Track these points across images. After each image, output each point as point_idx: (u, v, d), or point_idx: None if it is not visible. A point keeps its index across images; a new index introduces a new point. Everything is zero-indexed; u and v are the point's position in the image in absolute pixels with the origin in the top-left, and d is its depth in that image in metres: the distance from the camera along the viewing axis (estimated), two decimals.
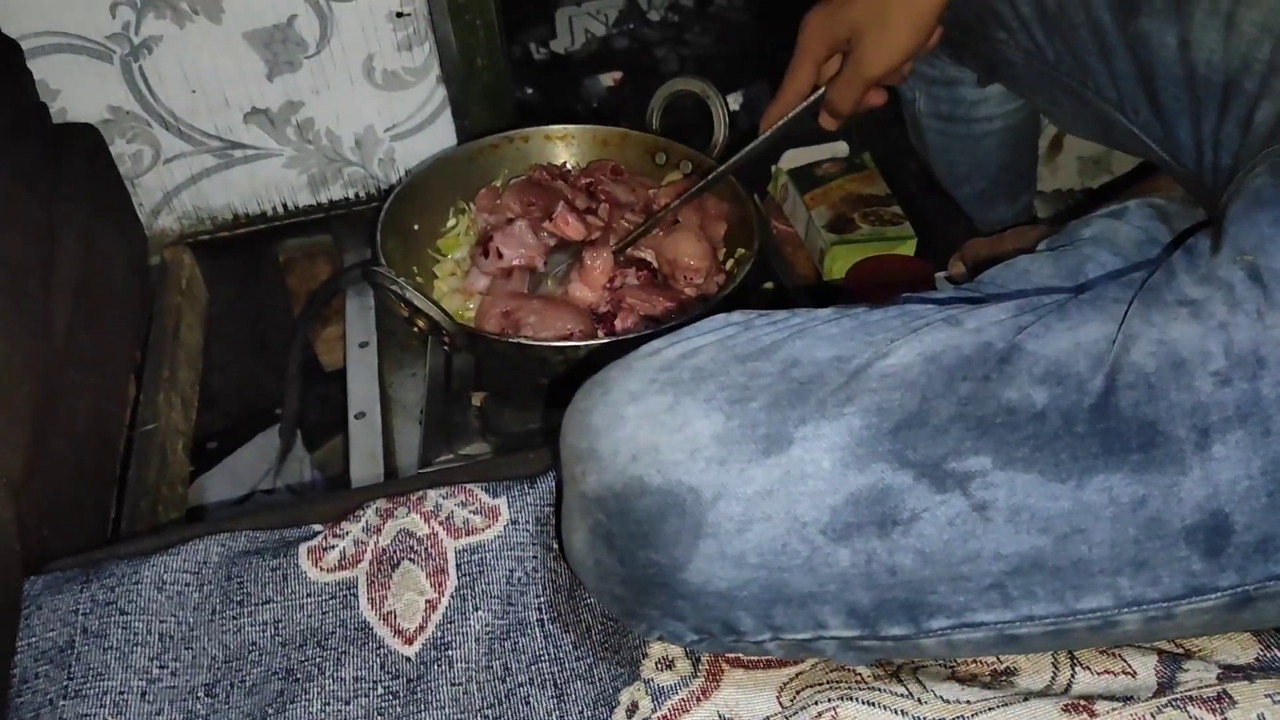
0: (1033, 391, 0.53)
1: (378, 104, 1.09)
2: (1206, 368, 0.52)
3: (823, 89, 0.87)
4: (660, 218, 0.98)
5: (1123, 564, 0.52)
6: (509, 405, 0.96)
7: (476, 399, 0.98)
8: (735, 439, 0.55)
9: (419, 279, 1.01)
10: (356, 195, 1.15)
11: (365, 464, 0.96)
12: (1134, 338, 0.54)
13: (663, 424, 0.56)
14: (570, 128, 1.10)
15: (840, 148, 1.22)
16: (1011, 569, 0.53)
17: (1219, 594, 0.52)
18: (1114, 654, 0.59)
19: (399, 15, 1.04)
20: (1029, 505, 0.52)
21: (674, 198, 0.99)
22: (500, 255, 0.96)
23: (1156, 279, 0.57)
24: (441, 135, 1.13)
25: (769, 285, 1.06)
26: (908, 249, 1.10)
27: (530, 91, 1.52)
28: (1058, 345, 0.55)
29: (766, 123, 0.91)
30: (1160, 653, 0.58)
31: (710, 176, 0.96)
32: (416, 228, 1.03)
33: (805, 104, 0.89)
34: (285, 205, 1.14)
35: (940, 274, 1.02)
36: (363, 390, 1.03)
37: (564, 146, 1.10)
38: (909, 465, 0.53)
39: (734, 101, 1.38)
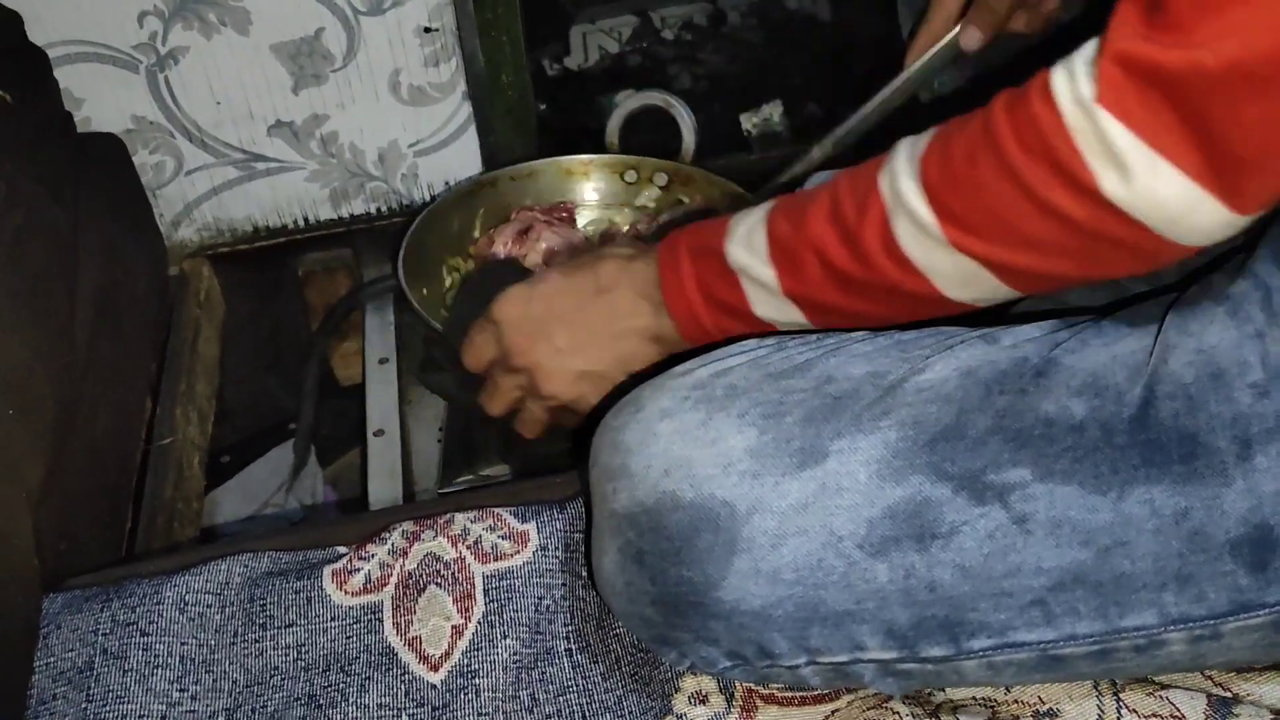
0: (1071, 403, 0.53)
1: (403, 119, 1.09)
2: (1245, 379, 0.52)
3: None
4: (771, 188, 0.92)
5: (1167, 579, 0.51)
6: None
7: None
8: (769, 453, 0.54)
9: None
10: (378, 210, 1.14)
11: (384, 483, 0.94)
12: (1171, 348, 0.53)
13: (696, 439, 0.55)
14: (536, 164, 1.07)
15: None
16: (1053, 584, 0.52)
17: (1267, 610, 0.51)
18: (1161, 696, 0.57)
19: (427, 30, 1.04)
20: (1069, 518, 0.52)
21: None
22: None
23: (1193, 292, 0.57)
24: (465, 152, 1.12)
25: None
26: None
27: (543, 108, 1.51)
28: (1095, 359, 0.54)
29: (912, 56, 0.82)
30: (1209, 696, 0.57)
31: (857, 117, 0.86)
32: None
33: (951, 35, 0.76)
34: (306, 219, 1.14)
35: None
36: (382, 408, 1.01)
37: (530, 184, 1.07)
38: (947, 478, 0.53)
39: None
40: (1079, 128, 0.47)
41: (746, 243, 0.60)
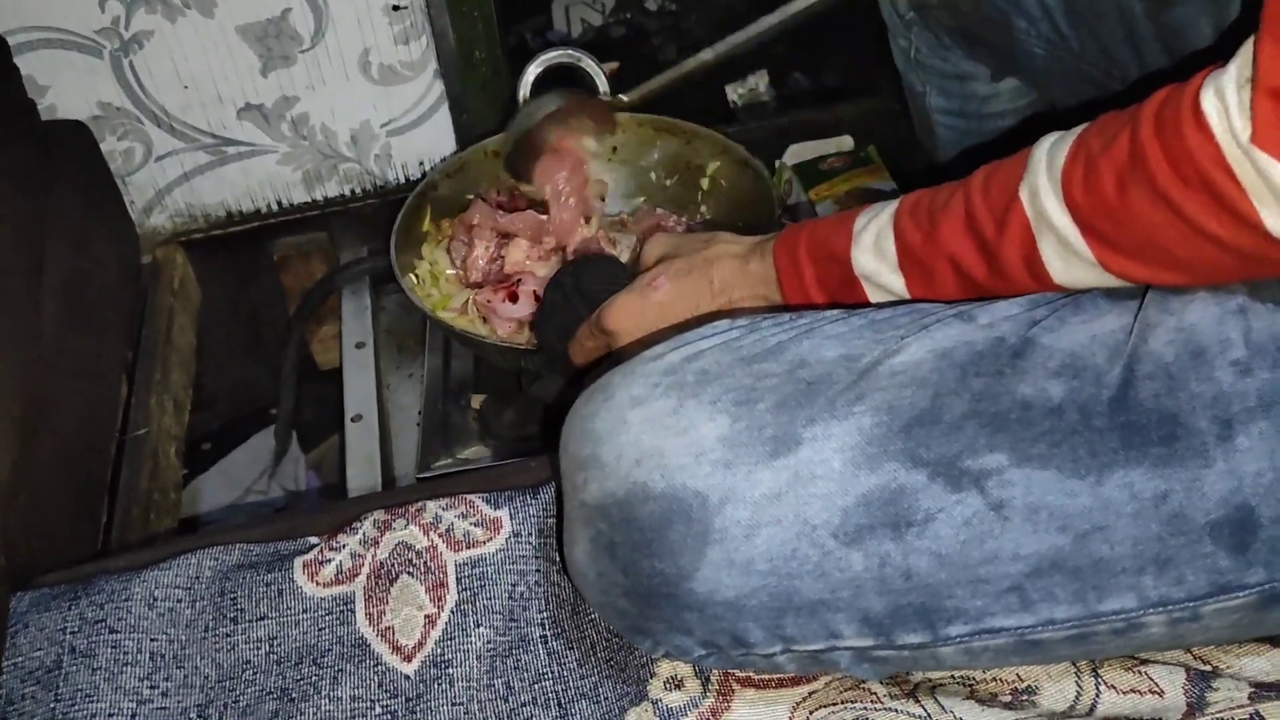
0: (1048, 386, 0.52)
1: (374, 99, 1.07)
2: (1226, 356, 0.51)
3: None
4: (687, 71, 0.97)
5: (1146, 562, 0.51)
6: (508, 407, 0.94)
7: (475, 401, 0.96)
8: (742, 441, 0.53)
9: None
10: (352, 192, 1.13)
11: (362, 468, 0.94)
12: (1151, 326, 0.53)
13: (667, 428, 0.54)
14: (463, 155, 1.05)
15: (845, 141, 1.20)
16: (1031, 570, 0.51)
17: (1246, 592, 0.51)
18: (1140, 672, 0.57)
19: (395, 8, 1.02)
20: (1047, 503, 0.51)
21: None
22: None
23: None
24: (439, 130, 1.10)
25: None
26: None
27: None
28: (1073, 338, 0.53)
29: None
30: (1188, 670, 0.56)
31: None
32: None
33: None
34: (279, 202, 1.12)
35: None
36: (360, 392, 1.01)
37: (462, 176, 1.04)
38: (922, 464, 0.52)
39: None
40: (1239, 165, 0.45)
41: (874, 250, 0.60)
